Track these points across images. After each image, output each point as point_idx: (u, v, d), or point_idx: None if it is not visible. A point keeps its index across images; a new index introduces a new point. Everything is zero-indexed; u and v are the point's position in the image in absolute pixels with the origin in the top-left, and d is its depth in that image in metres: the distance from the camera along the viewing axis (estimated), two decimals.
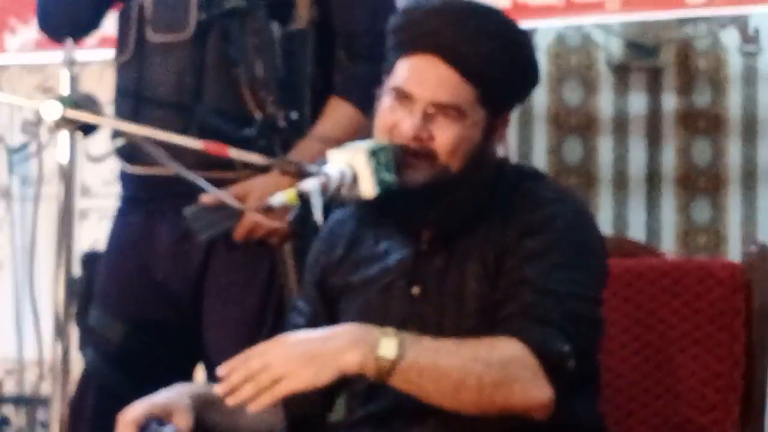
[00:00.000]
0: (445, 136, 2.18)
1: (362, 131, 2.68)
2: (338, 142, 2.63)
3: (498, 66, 2.20)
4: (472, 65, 2.18)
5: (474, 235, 2.21)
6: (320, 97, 2.83)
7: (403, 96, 2.20)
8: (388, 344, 2.01)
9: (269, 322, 2.76)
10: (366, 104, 2.44)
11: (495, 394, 2.04)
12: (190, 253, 2.78)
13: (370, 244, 2.31)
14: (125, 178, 2.91)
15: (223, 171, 2.67)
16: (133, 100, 2.80)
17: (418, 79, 2.19)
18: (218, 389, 1.99)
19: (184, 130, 2.60)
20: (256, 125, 2.71)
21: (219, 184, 2.45)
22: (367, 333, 2.02)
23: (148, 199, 2.84)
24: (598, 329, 2.21)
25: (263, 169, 2.65)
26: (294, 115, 2.73)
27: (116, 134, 2.87)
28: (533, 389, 2.06)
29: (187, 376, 2.94)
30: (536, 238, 2.16)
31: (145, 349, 2.85)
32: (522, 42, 2.26)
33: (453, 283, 2.20)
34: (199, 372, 3.00)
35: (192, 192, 2.50)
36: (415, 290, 2.22)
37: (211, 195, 2.61)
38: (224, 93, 2.76)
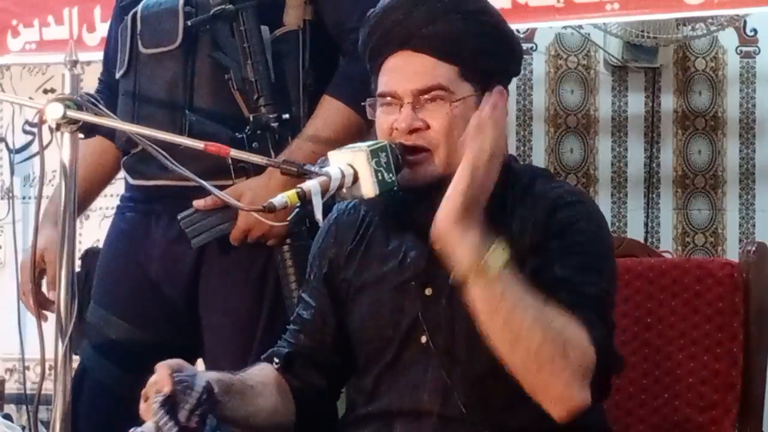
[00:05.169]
0: (438, 120, 2.19)
1: (354, 128, 2.68)
2: (330, 139, 2.65)
3: (466, 36, 2.21)
4: (439, 43, 2.20)
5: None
6: (315, 97, 2.84)
7: (389, 98, 2.22)
8: (500, 255, 2.02)
9: (263, 321, 2.76)
10: (357, 101, 2.44)
11: (543, 368, 2.02)
12: (182, 254, 2.78)
13: (382, 241, 2.31)
14: (126, 183, 2.93)
15: (223, 179, 2.68)
16: (131, 111, 2.82)
17: (397, 77, 2.22)
18: None
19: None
20: (248, 127, 2.72)
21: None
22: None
23: (144, 199, 2.85)
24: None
25: (259, 174, 2.67)
26: (285, 116, 2.74)
27: (121, 142, 2.89)
28: (577, 386, 2.04)
29: None
30: (563, 239, 2.17)
31: (141, 344, 2.85)
32: (485, 9, 2.27)
33: None
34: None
35: (187, 195, 2.52)
36: (428, 291, 2.23)
37: (203, 200, 2.63)
38: (216, 97, 2.76)
